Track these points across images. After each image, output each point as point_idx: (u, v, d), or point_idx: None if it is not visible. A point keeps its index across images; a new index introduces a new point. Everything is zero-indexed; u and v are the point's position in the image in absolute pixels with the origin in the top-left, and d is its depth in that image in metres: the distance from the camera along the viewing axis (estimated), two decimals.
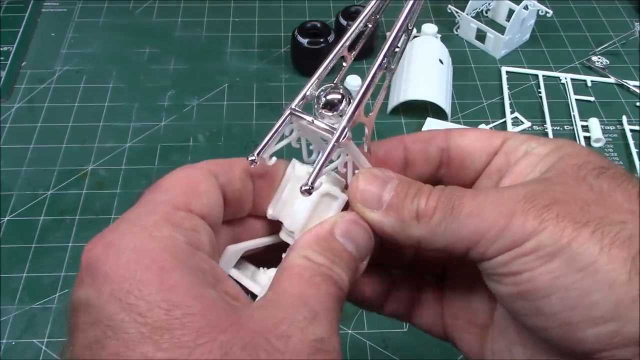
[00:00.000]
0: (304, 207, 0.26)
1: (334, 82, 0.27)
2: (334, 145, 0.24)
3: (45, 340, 0.50)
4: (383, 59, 0.26)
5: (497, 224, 0.22)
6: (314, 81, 0.26)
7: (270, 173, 0.28)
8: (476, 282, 0.27)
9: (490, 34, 0.75)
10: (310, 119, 0.26)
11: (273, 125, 0.26)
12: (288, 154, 0.28)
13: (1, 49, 0.75)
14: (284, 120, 0.26)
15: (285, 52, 0.75)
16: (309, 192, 0.24)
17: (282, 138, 0.27)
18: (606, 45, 0.77)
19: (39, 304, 0.52)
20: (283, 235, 0.27)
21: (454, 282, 0.30)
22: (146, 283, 0.20)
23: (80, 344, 0.20)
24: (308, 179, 0.24)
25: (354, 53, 0.28)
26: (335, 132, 0.25)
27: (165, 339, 0.19)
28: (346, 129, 0.24)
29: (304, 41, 0.69)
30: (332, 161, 0.26)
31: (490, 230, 0.22)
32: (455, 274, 0.30)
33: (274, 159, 0.26)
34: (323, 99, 0.25)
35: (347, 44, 0.27)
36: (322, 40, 0.70)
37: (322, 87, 0.26)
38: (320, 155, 0.24)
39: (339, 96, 0.25)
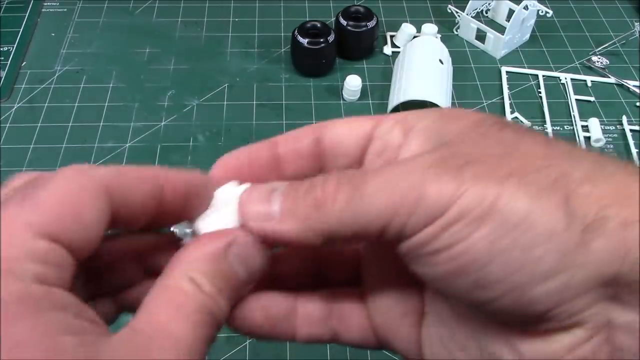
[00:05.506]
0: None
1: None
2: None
3: None
4: None
5: (410, 195, 0.20)
6: None
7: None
8: (396, 270, 0.25)
9: (490, 34, 0.75)
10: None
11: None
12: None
13: (1, 49, 0.75)
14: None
15: (285, 52, 0.75)
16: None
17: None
18: (606, 45, 0.77)
19: None
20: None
21: (372, 279, 0.27)
22: None
23: None
24: None
25: None
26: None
27: None
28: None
29: (304, 41, 0.69)
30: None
31: (403, 203, 0.20)
32: (370, 270, 0.27)
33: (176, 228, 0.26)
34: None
35: None
36: (322, 40, 0.70)
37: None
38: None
39: None
